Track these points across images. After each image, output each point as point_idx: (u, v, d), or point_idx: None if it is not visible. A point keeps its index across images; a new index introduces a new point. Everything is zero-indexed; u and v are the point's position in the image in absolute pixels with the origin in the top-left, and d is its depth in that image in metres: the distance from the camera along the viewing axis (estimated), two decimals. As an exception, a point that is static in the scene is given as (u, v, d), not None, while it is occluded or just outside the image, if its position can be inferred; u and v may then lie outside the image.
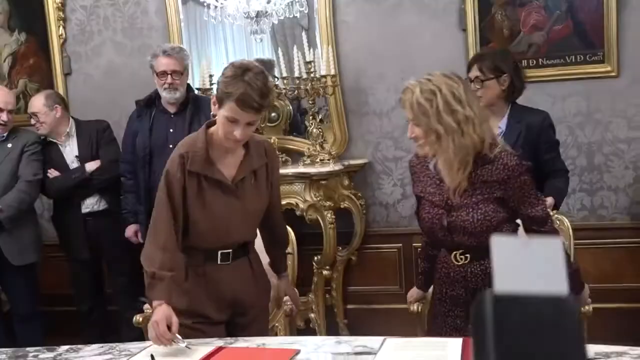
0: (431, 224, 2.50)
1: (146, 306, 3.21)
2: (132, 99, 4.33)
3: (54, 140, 4.34)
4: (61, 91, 4.93)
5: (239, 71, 2.38)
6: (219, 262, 2.57)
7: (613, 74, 4.15)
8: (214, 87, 4.50)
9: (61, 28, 4.92)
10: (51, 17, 4.91)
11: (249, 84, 2.34)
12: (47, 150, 4.33)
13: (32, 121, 4.31)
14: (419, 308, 2.83)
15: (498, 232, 2.36)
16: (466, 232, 2.42)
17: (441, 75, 2.39)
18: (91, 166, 4.26)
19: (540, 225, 2.44)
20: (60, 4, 4.89)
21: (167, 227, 2.47)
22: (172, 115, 3.99)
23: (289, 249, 3.01)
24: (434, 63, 4.35)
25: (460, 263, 2.49)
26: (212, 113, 2.53)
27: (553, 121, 3.82)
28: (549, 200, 3.38)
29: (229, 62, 4.74)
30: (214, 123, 2.54)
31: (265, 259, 2.84)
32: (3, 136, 4.17)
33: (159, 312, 2.32)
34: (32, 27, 4.98)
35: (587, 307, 2.75)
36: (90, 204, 4.31)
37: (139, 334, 4.36)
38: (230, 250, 2.58)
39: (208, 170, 2.49)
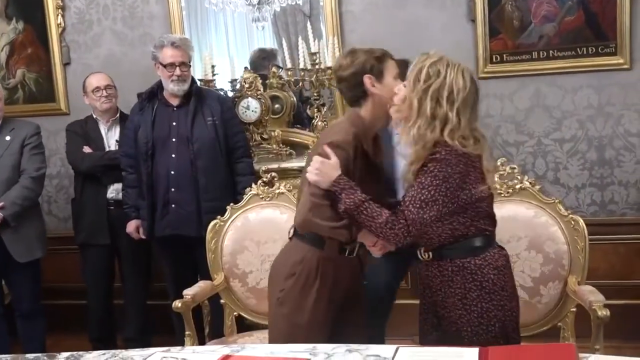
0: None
1: (185, 292, 3.24)
2: (132, 90, 4.24)
3: (99, 120, 4.30)
4: (60, 81, 4.87)
5: (362, 49, 2.64)
6: (347, 255, 2.64)
7: (625, 66, 4.06)
8: (216, 77, 4.44)
9: (60, 17, 4.81)
10: (49, 5, 4.79)
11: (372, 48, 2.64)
12: (87, 128, 4.30)
13: (104, 93, 4.23)
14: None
15: (444, 227, 2.38)
16: None
17: (466, 71, 2.40)
18: None
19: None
20: (58, -8, 4.79)
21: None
22: (175, 109, 3.90)
23: None
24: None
25: (424, 260, 2.50)
26: (372, 93, 2.59)
27: (564, 114, 3.72)
28: None
29: (229, 51, 4.79)
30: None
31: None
32: None
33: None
34: (30, 16, 4.87)
35: (603, 312, 2.68)
36: (116, 190, 4.23)
37: (141, 331, 4.35)
38: (358, 243, 2.62)
39: (372, 151, 2.61)
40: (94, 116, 4.33)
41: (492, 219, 2.49)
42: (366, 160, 2.59)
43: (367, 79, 2.56)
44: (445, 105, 2.31)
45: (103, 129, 4.32)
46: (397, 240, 2.38)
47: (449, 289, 2.42)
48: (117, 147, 4.27)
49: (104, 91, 4.24)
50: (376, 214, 2.37)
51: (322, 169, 2.44)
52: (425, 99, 2.32)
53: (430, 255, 2.46)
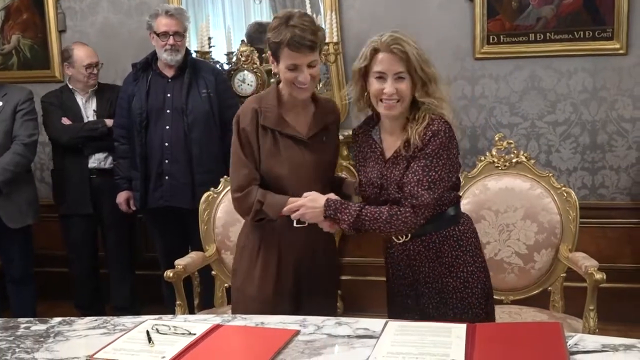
0: (368, 201, 2.46)
1: (177, 262, 3.20)
2: (128, 59, 4.23)
3: (77, 91, 4.30)
4: (55, 48, 4.84)
5: (283, 19, 2.44)
6: (294, 224, 2.53)
7: (621, 51, 4.07)
8: (213, 49, 4.43)
9: (56, -18, 4.78)
10: (45, -30, 4.75)
11: (295, 26, 2.40)
12: (63, 99, 4.29)
13: (94, 71, 4.26)
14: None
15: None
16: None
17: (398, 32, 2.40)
18: (109, 122, 4.18)
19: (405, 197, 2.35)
20: (55, -43, 4.74)
21: (248, 169, 2.53)
22: (170, 80, 3.89)
23: None
24: (440, 34, 4.27)
25: (401, 241, 2.47)
26: (273, 72, 2.58)
27: (558, 97, 3.77)
28: None
29: (226, 24, 4.76)
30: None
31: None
32: None
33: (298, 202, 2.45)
34: (26, -20, 4.83)
35: (600, 275, 2.82)
36: (98, 159, 4.25)
37: (130, 300, 4.37)
38: None
39: (281, 125, 2.52)
40: (70, 86, 4.32)
41: (458, 186, 2.54)
42: (276, 137, 2.53)
43: (271, 59, 2.54)
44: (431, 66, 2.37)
45: (80, 99, 4.31)
46: (409, 228, 2.35)
47: (437, 260, 2.44)
48: (95, 117, 4.27)
49: (95, 69, 4.25)
50: (377, 214, 2.34)
51: (307, 206, 2.42)
52: (428, 65, 2.36)
53: (409, 235, 2.44)
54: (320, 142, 2.59)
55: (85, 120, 4.27)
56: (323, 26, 4.26)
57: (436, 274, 2.45)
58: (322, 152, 2.59)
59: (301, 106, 2.58)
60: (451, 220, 2.45)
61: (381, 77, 2.35)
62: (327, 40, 4.18)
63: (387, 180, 2.41)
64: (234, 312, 2.72)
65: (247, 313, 2.51)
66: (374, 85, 2.37)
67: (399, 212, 2.32)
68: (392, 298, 2.60)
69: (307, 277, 2.64)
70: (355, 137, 2.59)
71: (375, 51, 2.35)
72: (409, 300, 2.51)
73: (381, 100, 2.36)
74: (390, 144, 2.44)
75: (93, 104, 4.31)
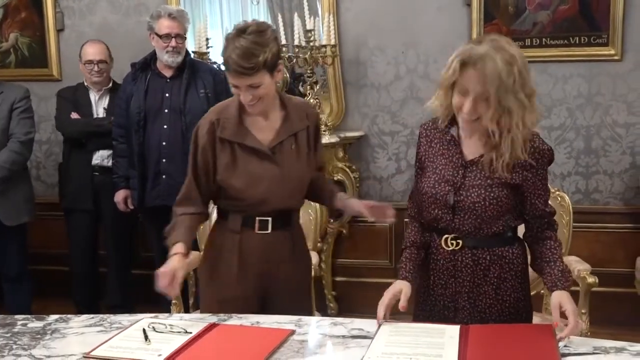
0: (434, 199, 2.24)
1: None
2: (126, 59, 4.24)
3: (90, 88, 4.34)
4: (53, 47, 4.86)
5: (233, 35, 2.36)
6: (256, 231, 2.50)
7: (616, 57, 4.12)
8: (211, 50, 4.45)
9: (54, -19, 4.79)
10: (44, -31, 4.76)
11: (236, 47, 2.31)
12: (77, 95, 4.33)
13: (96, 68, 4.25)
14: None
15: (502, 220, 2.23)
16: (472, 215, 2.21)
17: (502, 38, 2.10)
18: None
19: (550, 225, 2.29)
20: (54, -44, 4.75)
21: (190, 184, 2.54)
22: (168, 80, 3.91)
23: None
24: (436, 38, 4.31)
25: (450, 249, 2.26)
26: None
27: (554, 102, 3.75)
28: None
29: (223, 25, 4.77)
30: None
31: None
32: None
33: (170, 263, 2.42)
34: (24, -21, 4.84)
35: (592, 279, 2.85)
36: (101, 156, 4.27)
37: (125, 299, 4.38)
38: (270, 219, 2.49)
39: (240, 137, 2.45)
40: (85, 84, 4.35)
41: None
42: (235, 150, 2.46)
43: None
44: (528, 80, 2.09)
45: (93, 96, 4.35)
46: None
47: (484, 278, 2.27)
48: (104, 115, 4.29)
49: (96, 66, 4.26)
50: (559, 252, 2.26)
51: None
52: (518, 93, 2.05)
53: (460, 244, 2.26)
54: (287, 150, 2.48)
55: (95, 117, 4.30)
56: (320, 28, 4.29)
57: (481, 291, 2.28)
58: (290, 162, 2.49)
59: (266, 114, 2.47)
60: (506, 241, 2.30)
61: (464, 92, 2.10)
62: (324, 43, 4.22)
63: (470, 183, 2.22)
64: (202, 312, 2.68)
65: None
66: (455, 97, 2.13)
67: (557, 238, 2.30)
68: (424, 306, 2.40)
69: (271, 282, 2.56)
70: (426, 131, 2.34)
71: (464, 64, 2.06)
72: (446, 312, 2.33)
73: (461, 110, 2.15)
74: (471, 146, 2.23)
75: (105, 102, 4.34)
